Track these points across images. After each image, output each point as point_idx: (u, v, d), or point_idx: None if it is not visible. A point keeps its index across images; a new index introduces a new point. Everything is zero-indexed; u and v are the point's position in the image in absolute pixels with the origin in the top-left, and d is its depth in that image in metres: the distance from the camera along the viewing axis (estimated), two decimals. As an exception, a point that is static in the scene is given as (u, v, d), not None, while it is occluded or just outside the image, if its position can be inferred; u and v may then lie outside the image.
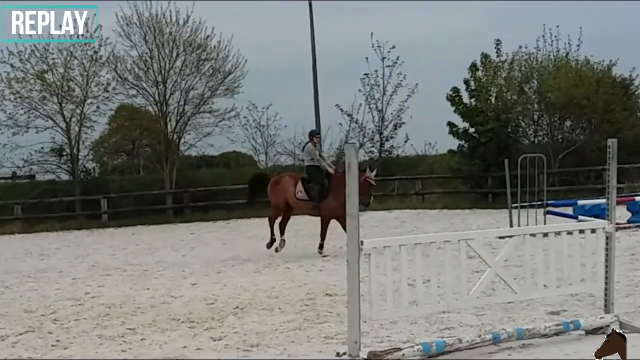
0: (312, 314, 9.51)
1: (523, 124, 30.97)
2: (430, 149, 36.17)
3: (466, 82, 30.60)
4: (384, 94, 34.77)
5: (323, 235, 16.54)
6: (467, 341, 6.95)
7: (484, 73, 30.39)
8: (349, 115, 34.73)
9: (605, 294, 7.82)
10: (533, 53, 30.45)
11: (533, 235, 7.65)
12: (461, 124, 30.32)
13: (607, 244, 7.77)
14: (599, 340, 7.18)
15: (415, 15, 50.96)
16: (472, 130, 30.06)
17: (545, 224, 16.56)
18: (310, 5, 33.18)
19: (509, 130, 29.98)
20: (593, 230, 7.86)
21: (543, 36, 30.16)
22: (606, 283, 7.77)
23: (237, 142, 35.09)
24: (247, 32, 46.95)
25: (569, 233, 7.78)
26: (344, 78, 42.49)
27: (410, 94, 34.19)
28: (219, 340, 8.34)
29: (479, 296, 7.36)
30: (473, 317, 8.65)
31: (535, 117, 30.74)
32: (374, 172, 16.68)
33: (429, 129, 36.38)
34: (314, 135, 17.40)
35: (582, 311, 8.69)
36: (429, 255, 7.05)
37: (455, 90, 30.70)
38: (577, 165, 28.73)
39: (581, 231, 7.90)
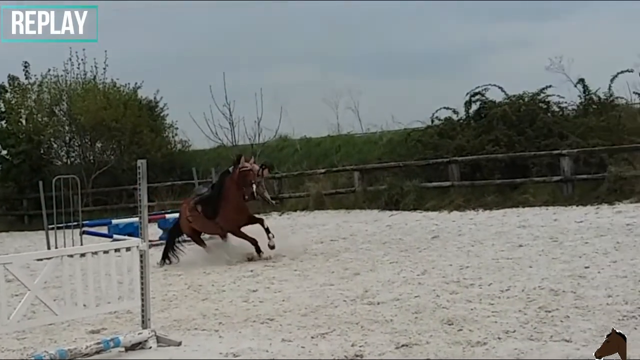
0: None
1: (55, 145, 30.92)
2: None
3: (-5, 104, 29.90)
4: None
5: (250, 241, 14.40)
6: (10, 366, 6.96)
7: (13, 95, 29.87)
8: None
9: (142, 310, 8.09)
10: (62, 75, 30.51)
11: (71, 256, 7.79)
12: (-7, 146, 29.59)
13: (141, 261, 8.08)
14: (138, 355, 7.60)
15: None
16: (4, 152, 29.53)
17: (82, 244, 16.78)
18: None
19: (42, 152, 29.86)
20: (128, 249, 8.16)
21: (70, 59, 30.34)
22: (142, 299, 8.05)
23: None
24: None
25: (106, 252, 8.01)
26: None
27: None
28: None
29: (20, 320, 7.31)
30: (15, 342, 8.57)
31: (67, 138, 30.81)
32: (251, 160, 15.11)
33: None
34: None
35: (121, 328, 8.95)
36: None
37: (-14, 112, 29.85)
38: (109, 186, 29.27)
39: (117, 250, 8.16)
